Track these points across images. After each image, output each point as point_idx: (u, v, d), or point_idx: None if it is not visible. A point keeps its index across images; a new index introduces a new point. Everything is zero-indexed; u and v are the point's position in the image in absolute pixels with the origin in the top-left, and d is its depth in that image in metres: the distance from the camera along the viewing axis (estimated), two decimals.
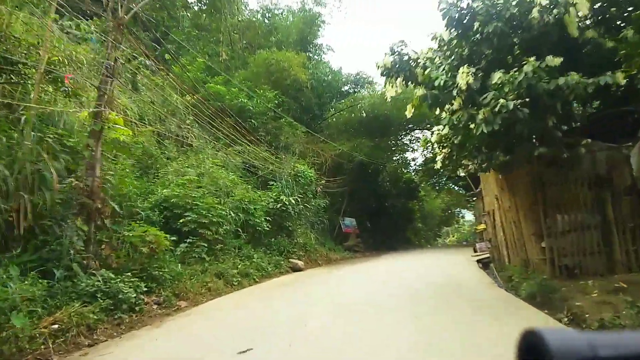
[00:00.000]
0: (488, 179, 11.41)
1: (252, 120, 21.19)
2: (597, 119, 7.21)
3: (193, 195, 12.43)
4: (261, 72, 24.56)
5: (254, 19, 30.98)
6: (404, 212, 39.01)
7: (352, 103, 28.13)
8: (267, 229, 15.27)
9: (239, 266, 12.76)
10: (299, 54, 25.80)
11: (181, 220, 11.95)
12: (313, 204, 20.07)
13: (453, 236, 71.94)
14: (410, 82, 7.54)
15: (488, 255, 12.99)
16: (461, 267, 12.44)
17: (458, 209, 63.65)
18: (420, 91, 6.97)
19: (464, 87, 6.12)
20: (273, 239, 15.87)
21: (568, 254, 7.14)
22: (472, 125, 6.31)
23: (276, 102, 22.07)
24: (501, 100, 5.62)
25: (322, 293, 9.87)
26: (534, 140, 6.58)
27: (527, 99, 5.57)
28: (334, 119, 29.15)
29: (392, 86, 7.56)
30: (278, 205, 16.17)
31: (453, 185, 37.60)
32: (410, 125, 31.82)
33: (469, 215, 67.61)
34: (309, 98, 27.18)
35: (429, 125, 31.77)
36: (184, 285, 10.06)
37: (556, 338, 0.58)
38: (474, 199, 19.92)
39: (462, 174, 17.41)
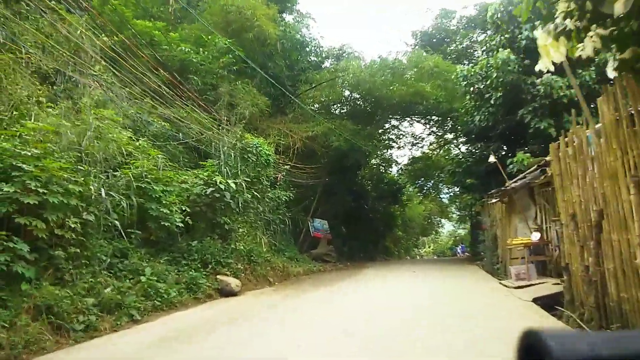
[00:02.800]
0: (576, 155, 5.92)
1: (195, 77, 15.36)
2: None
3: (24, 152, 6.55)
4: (218, 22, 18.72)
5: None
6: (385, 217, 33.58)
7: (332, 76, 22.44)
8: (182, 226, 9.46)
9: (107, 291, 6.93)
10: (269, 7, 20.05)
11: None
12: (270, 195, 14.33)
13: (429, 247, 67.54)
14: None
15: (555, 290, 7.51)
16: (520, 316, 6.79)
17: (438, 218, 59.00)
18: None
19: None
20: (194, 243, 10.03)
21: None
22: None
23: (231, 56, 16.26)
24: None
25: None
26: None
27: None
28: (310, 97, 23.40)
29: None
30: (208, 191, 10.35)
31: (452, 187, 32.32)
32: (397, 115, 26.34)
33: (448, 226, 63.18)
34: (279, 67, 21.36)
35: (422, 115, 26.49)
36: None
37: (556, 338, 0.57)
38: (492, 201, 14.44)
39: (493, 159, 12.04)
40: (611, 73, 3.94)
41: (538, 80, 13.00)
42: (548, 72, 11.87)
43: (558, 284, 8.33)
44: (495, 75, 13.61)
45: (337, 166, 23.24)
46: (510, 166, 13.63)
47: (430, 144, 33.40)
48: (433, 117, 25.93)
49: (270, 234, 14.42)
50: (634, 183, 4.65)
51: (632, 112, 4.44)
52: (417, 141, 32.13)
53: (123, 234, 8.13)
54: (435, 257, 50.41)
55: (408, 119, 27.92)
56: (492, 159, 11.53)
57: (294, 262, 15.85)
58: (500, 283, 10.36)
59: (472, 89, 14.76)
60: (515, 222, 12.94)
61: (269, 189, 13.95)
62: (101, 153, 8.41)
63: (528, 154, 13.07)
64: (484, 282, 11.30)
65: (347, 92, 23.23)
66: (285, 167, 16.21)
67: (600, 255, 5.63)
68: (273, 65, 20.98)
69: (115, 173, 8.83)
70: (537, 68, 4.01)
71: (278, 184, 15.53)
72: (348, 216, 27.45)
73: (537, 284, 8.93)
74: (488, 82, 14.11)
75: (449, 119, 24.63)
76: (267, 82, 20.42)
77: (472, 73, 14.65)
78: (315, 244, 22.12)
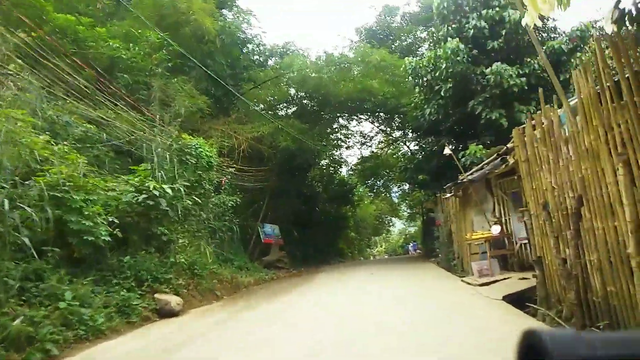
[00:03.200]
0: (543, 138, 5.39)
1: (125, 75, 14.03)
2: None
3: None
4: (150, 17, 17.38)
5: None
6: (337, 218, 33.05)
7: (276, 73, 21.57)
8: (111, 239, 8.25)
9: (15, 323, 5.72)
10: (207, 1, 18.91)
11: None
12: (214, 200, 13.24)
13: (381, 246, 68.00)
14: None
15: (524, 286, 6.99)
16: (493, 316, 6.16)
17: (389, 217, 59.15)
18: None
19: None
20: (126, 258, 8.83)
21: None
22: None
23: (165, 52, 15.05)
24: None
25: None
26: None
27: None
28: (255, 96, 22.33)
29: None
30: (141, 198, 9.18)
31: (402, 185, 32.27)
32: (345, 114, 25.73)
33: (399, 224, 63.62)
34: (220, 65, 20.23)
35: (370, 113, 26.09)
36: None
37: (555, 338, 0.57)
38: (447, 195, 14.10)
39: (448, 151, 11.60)
40: (609, 26, 3.35)
41: (488, 70, 12.74)
42: (497, 60, 11.44)
43: (525, 279, 7.87)
44: (444, 66, 13.23)
45: (286, 168, 22.40)
46: (463, 159, 13.30)
47: (379, 143, 33.27)
48: (381, 114, 25.55)
49: (217, 242, 13.31)
50: (622, 162, 4.10)
51: (619, 79, 3.88)
52: (366, 140, 31.85)
53: (36, 253, 6.87)
54: (386, 257, 50.47)
55: (356, 117, 27.50)
56: (447, 150, 11.09)
57: (244, 272, 14.82)
58: (462, 280, 9.84)
59: (421, 81, 14.34)
60: (471, 216, 12.58)
61: (212, 194, 12.87)
62: (6, 159, 7.10)
63: (480, 146, 12.77)
64: (446, 280, 10.76)
65: (293, 91, 22.42)
66: (230, 169, 15.14)
67: (580, 246, 5.10)
68: (213, 63, 19.83)
69: (26, 182, 7.53)
70: (523, 22, 3.34)
71: (223, 188, 14.45)
72: (300, 219, 26.67)
73: (501, 279, 8.45)
74: (437, 74, 13.73)
75: (396, 116, 24.35)
76: (207, 81, 19.35)
77: (421, 65, 14.23)
78: (267, 250, 21.14)
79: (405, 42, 26.88)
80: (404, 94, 19.25)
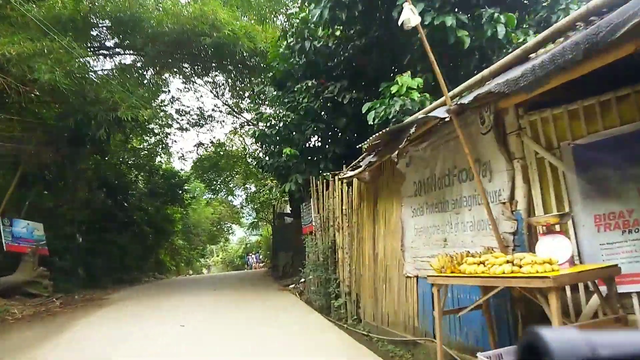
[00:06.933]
0: None
1: None
2: None
3: None
4: None
5: None
6: (159, 221, 24.62)
7: None
8: None
9: None
10: None
11: None
12: None
13: (218, 256, 60.13)
14: None
15: None
16: None
17: (229, 224, 51.28)
18: None
19: None
20: None
21: None
22: None
23: None
24: None
25: None
26: None
27: None
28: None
29: None
30: None
31: (249, 183, 25.42)
32: (171, 67, 17.66)
33: (240, 232, 56.52)
34: None
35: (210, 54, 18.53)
36: None
37: (556, 338, 0.55)
38: (348, 173, 7.45)
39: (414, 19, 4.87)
40: None
41: None
42: None
43: None
44: None
45: (64, 130, 13.67)
46: (372, 114, 6.93)
47: (223, 124, 26.08)
48: (228, 70, 17.81)
49: None
50: None
51: None
52: (207, 121, 24.15)
53: None
54: (209, 273, 42.46)
55: (192, 80, 19.75)
56: (408, 14, 4.20)
57: None
58: None
59: None
60: (394, 215, 6.14)
61: None
62: None
63: (420, 79, 6.47)
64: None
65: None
66: None
67: None
68: None
69: None
70: None
71: None
72: (96, 218, 17.93)
73: None
74: None
75: (249, 74, 17.26)
76: None
77: None
78: (15, 263, 12.22)
79: None
80: (266, 28, 12.32)
